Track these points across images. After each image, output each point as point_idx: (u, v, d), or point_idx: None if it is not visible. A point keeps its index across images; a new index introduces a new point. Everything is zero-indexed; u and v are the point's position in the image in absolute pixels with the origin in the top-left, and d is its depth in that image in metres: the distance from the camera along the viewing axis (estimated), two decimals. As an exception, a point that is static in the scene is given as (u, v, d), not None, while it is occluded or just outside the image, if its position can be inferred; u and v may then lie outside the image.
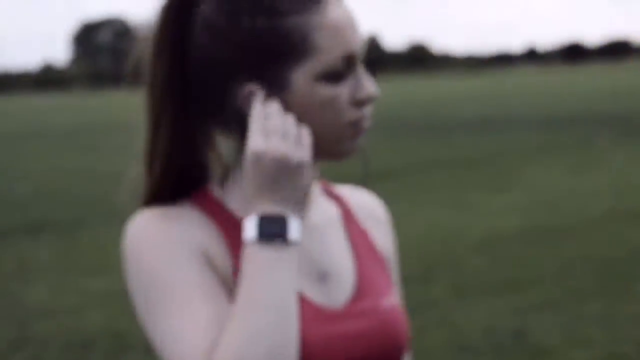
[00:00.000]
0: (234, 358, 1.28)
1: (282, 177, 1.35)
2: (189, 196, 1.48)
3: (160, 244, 1.39)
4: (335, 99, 1.42)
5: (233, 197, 1.48)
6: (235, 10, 1.40)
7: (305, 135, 1.39)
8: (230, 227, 1.44)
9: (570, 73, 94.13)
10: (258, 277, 1.33)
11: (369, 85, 1.45)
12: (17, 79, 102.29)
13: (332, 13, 1.41)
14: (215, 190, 1.49)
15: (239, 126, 1.44)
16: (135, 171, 1.50)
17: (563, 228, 10.10)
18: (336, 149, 1.47)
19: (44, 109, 55.97)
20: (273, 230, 1.34)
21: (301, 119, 1.41)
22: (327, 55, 1.40)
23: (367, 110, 1.47)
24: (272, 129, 1.37)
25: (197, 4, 1.44)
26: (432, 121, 28.42)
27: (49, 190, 15.36)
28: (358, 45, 1.44)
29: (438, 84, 75.16)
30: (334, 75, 1.42)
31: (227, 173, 1.50)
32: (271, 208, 1.35)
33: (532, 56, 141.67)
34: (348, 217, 1.61)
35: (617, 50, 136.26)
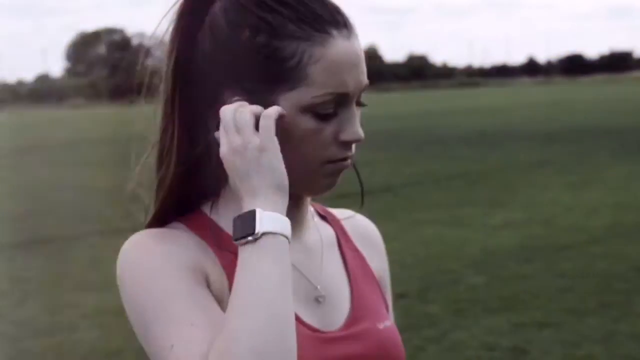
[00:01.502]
0: (223, 354, 1.24)
1: (245, 166, 1.33)
2: (184, 218, 1.46)
3: (155, 264, 1.37)
4: (317, 133, 1.39)
5: (225, 216, 1.45)
6: (239, 20, 1.39)
7: (263, 120, 1.35)
8: (223, 247, 1.42)
9: (570, 86, 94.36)
10: (243, 276, 1.29)
11: (354, 128, 1.42)
12: (12, 91, 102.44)
13: (335, 48, 1.38)
14: (208, 211, 1.47)
15: None
16: (132, 186, 1.49)
17: (562, 244, 10.06)
18: (312, 184, 1.45)
19: (39, 122, 56.06)
20: (243, 229, 1.31)
21: (282, 145, 1.38)
22: (318, 89, 1.37)
23: (351, 150, 1.44)
24: (226, 126, 1.36)
25: (212, 4, 1.43)
26: (431, 134, 28.42)
27: (43, 205, 15.31)
28: (355, 86, 1.40)
29: (437, 96, 75.26)
30: (321, 111, 1.39)
31: (219, 192, 1.48)
32: (247, 205, 1.33)
33: (532, 69, 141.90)
34: (343, 240, 1.60)
35: (618, 64, 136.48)
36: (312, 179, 1.43)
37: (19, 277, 9.53)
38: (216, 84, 1.41)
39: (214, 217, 1.47)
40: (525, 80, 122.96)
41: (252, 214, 1.31)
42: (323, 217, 1.61)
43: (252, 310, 1.25)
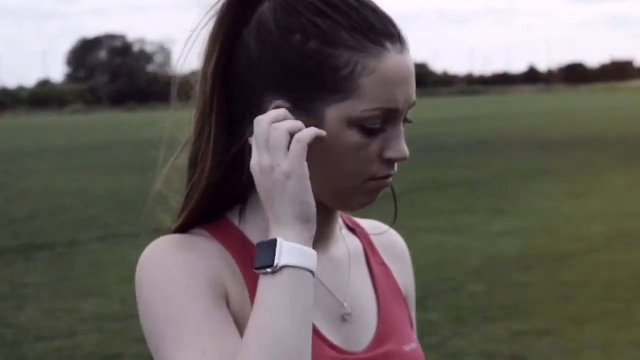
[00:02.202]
0: None
1: (270, 189, 1.26)
2: (209, 225, 1.41)
3: (175, 273, 1.31)
4: (362, 149, 1.33)
5: (252, 226, 1.41)
6: (290, 24, 1.32)
7: (295, 144, 1.27)
8: (247, 259, 1.36)
9: (571, 94, 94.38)
10: (259, 309, 1.23)
11: (401, 147, 1.36)
12: (13, 96, 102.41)
13: (390, 62, 1.31)
14: (235, 219, 1.42)
15: None
16: (156, 189, 1.44)
17: (562, 252, 10.04)
18: (349, 200, 1.39)
19: (40, 127, 56.06)
20: (263, 258, 1.25)
21: (323, 158, 1.33)
22: (368, 103, 1.30)
23: (394, 168, 1.38)
24: (257, 140, 1.28)
25: (260, 3, 1.36)
26: (432, 142, 28.39)
27: (43, 210, 15.29)
28: (405, 102, 1.34)
29: (438, 104, 75.26)
30: (368, 125, 1.32)
31: (246, 199, 1.42)
32: (271, 230, 1.27)
33: (532, 77, 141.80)
34: (370, 253, 1.55)
35: (618, 72, 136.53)
36: (350, 195, 1.37)
37: (18, 281, 9.51)
38: (259, 88, 1.35)
39: (240, 225, 1.41)
40: (526, 88, 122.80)
41: (272, 243, 1.25)
42: (351, 229, 1.56)
43: (265, 346, 1.20)
